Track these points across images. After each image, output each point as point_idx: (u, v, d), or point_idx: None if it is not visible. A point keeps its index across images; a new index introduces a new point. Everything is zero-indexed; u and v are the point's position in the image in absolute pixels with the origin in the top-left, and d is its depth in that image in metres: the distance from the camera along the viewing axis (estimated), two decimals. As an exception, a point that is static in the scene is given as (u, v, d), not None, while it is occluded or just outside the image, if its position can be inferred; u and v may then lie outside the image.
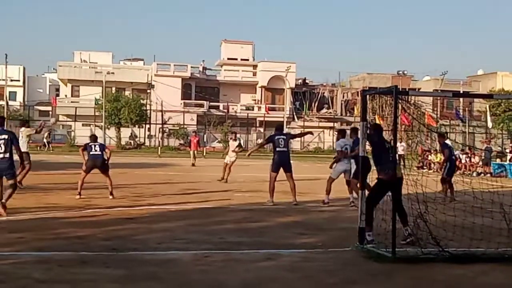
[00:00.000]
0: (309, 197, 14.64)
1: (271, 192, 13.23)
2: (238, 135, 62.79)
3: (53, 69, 72.74)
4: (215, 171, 21.42)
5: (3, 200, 10.39)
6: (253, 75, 67.99)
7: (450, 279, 6.59)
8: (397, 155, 9.10)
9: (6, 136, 10.45)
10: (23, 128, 15.83)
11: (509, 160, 27.35)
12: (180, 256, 7.42)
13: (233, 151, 19.88)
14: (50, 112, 63.08)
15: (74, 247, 7.74)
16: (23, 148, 15.06)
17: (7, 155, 10.38)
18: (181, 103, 62.84)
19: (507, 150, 27.80)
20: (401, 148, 25.59)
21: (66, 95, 64.73)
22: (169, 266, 6.80)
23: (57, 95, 66.43)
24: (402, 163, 14.99)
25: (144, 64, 69.11)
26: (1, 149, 10.34)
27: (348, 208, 12.65)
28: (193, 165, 29.95)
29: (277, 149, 13.40)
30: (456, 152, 16.36)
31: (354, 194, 12.57)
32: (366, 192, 8.39)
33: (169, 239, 8.63)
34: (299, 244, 8.49)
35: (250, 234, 9.27)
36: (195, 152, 31.56)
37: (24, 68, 70.54)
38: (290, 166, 13.46)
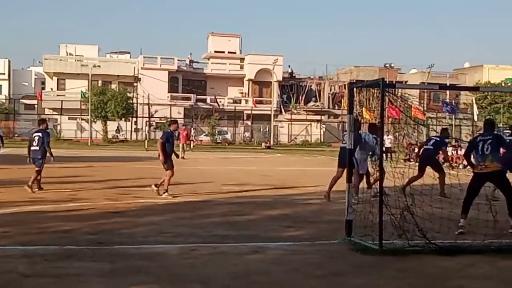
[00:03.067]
0: (297, 190, 14.63)
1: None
2: (225, 129, 62.23)
3: (39, 62, 72.12)
4: (203, 165, 21.39)
5: (29, 183, 13.20)
6: (240, 68, 67.79)
7: (437, 271, 6.61)
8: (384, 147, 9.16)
9: (40, 134, 13.78)
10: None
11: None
12: (167, 250, 7.39)
13: None
14: (36, 106, 62.54)
15: (60, 241, 7.69)
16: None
17: (38, 148, 13.63)
18: (168, 96, 62.53)
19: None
20: (388, 141, 25.72)
21: (51, 89, 64.09)
22: (156, 260, 6.76)
23: (43, 88, 65.77)
24: (389, 156, 14.99)
25: (130, 57, 68.62)
26: (35, 143, 13.70)
27: (336, 201, 12.47)
28: (183, 158, 29.84)
29: (341, 145, 13.16)
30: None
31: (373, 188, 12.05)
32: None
33: (156, 232, 8.60)
34: (286, 237, 8.49)
35: (237, 228, 9.26)
36: (184, 145, 31.44)
37: (9, 61, 69.85)
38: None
